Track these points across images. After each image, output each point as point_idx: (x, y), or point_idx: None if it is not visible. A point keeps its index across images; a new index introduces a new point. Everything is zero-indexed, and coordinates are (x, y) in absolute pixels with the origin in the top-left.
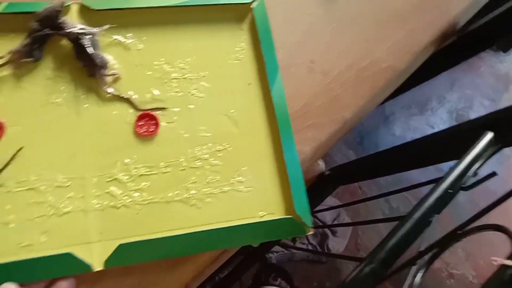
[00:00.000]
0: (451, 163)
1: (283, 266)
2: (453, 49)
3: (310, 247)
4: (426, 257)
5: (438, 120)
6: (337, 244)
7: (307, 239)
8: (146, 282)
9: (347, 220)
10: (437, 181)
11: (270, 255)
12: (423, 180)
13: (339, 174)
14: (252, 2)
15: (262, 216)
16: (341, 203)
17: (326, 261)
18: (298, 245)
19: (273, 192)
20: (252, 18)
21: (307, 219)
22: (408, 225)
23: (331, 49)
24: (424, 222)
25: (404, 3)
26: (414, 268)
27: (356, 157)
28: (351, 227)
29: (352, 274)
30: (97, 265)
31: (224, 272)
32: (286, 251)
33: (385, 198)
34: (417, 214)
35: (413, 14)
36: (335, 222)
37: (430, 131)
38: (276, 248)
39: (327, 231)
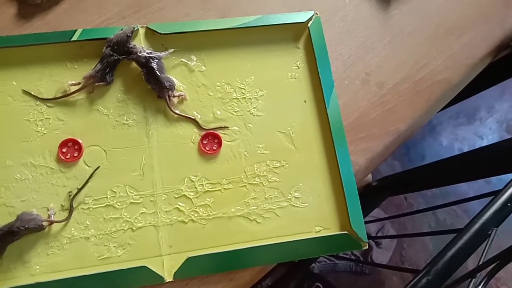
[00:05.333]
0: (503, 176)
1: (325, 276)
2: (509, 60)
3: (353, 258)
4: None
5: (487, 130)
6: (380, 255)
7: None
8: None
9: (391, 232)
10: (495, 194)
11: (313, 264)
12: (471, 193)
13: (387, 185)
14: (308, 20)
15: (319, 231)
16: (386, 215)
17: (370, 273)
18: (341, 255)
19: (329, 207)
20: (308, 36)
21: (363, 234)
22: (466, 237)
23: (387, 62)
24: (482, 235)
25: (460, 16)
26: (474, 281)
27: (402, 168)
28: (395, 239)
29: (408, 286)
30: (168, 277)
31: (267, 281)
32: (329, 261)
33: (432, 212)
34: (475, 227)
35: (469, 27)
36: (379, 234)
37: (478, 141)
38: (319, 258)
39: (372, 242)
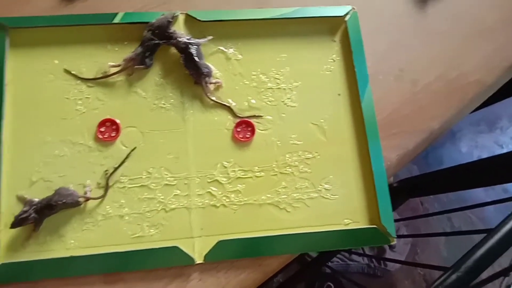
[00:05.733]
0: None
1: (337, 276)
2: None
3: (366, 259)
4: None
5: (508, 140)
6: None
7: (363, 250)
8: (234, 273)
9: None
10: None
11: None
12: (487, 199)
13: (408, 187)
14: (346, 15)
15: (348, 224)
16: (400, 217)
17: (382, 276)
18: (353, 256)
19: (359, 201)
20: (345, 30)
21: (392, 230)
22: (497, 237)
23: (421, 59)
24: None
25: (494, 18)
26: (506, 279)
27: (420, 172)
28: (409, 244)
29: (438, 280)
30: (198, 259)
31: (279, 278)
32: (341, 262)
33: (447, 216)
34: (507, 227)
35: (503, 29)
36: None
37: (498, 150)
38: (332, 257)
39: (385, 245)
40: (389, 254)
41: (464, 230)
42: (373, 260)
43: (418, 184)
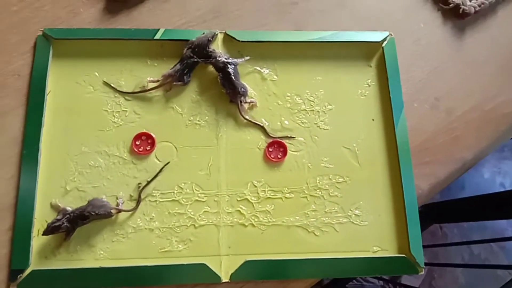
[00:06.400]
0: None
1: None
2: None
3: (381, 282)
4: None
5: None
6: (409, 282)
7: None
8: None
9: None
10: None
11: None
12: (510, 229)
13: (433, 212)
14: (383, 40)
15: (376, 251)
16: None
17: None
18: (368, 277)
19: (389, 228)
20: (382, 55)
21: (420, 259)
22: None
23: (457, 89)
24: None
25: None
26: None
27: (441, 197)
28: (426, 268)
29: None
30: (224, 277)
31: None
32: (356, 282)
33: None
34: None
35: None
36: None
37: None
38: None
39: None
40: (404, 278)
41: (485, 263)
42: (389, 283)
43: (443, 210)
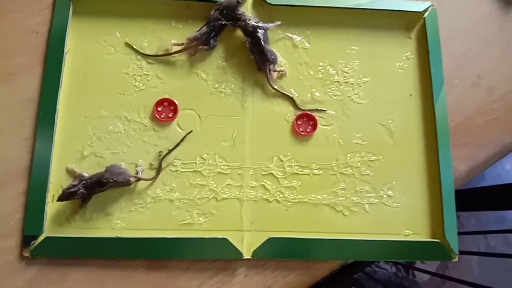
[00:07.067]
0: None
1: (363, 282)
2: None
3: (394, 268)
4: None
5: None
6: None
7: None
8: (282, 273)
9: None
10: None
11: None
12: None
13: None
14: (425, 11)
15: (408, 235)
16: None
17: (408, 286)
18: (381, 263)
19: (422, 211)
20: (423, 27)
21: (455, 245)
22: None
23: (500, 67)
24: None
25: None
26: None
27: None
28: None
29: None
30: (246, 254)
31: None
32: (369, 268)
33: (483, 235)
34: None
35: None
36: None
37: None
38: None
39: None
40: (418, 265)
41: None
42: (402, 270)
43: (462, 199)
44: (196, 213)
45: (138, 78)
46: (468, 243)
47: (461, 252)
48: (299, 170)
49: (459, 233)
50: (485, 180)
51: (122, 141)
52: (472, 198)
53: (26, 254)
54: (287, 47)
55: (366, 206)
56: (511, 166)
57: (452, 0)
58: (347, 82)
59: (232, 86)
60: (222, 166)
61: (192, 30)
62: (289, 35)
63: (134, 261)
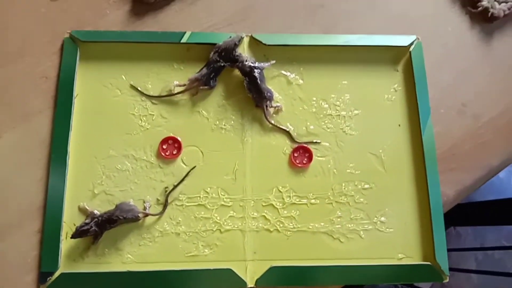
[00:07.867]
0: None
1: None
2: None
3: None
4: None
5: None
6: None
7: None
8: None
9: None
10: None
11: None
12: None
13: (451, 215)
14: (410, 45)
15: (401, 258)
16: None
17: None
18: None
19: (414, 236)
20: (409, 60)
21: (445, 267)
22: None
23: (484, 94)
24: None
25: None
26: None
27: None
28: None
29: None
30: (250, 282)
31: None
32: None
33: (480, 243)
34: None
35: None
36: None
37: None
38: None
39: None
40: None
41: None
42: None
43: (459, 214)
44: (202, 245)
45: (144, 118)
46: (466, 253)
47: (452, 269)
48: (297, 200)
49: (455, 250)
50: (480, 189)
51: (130, 178)
52: (468, 214)
53: None
54: (282, 83)
55: (361, 232)
56: (505, 175)
57: (437, 32)
58: (339, 115)
59: (232, 122)
60: (224, 199)
61: (193, 71)
62: (284, 72)
63: None
